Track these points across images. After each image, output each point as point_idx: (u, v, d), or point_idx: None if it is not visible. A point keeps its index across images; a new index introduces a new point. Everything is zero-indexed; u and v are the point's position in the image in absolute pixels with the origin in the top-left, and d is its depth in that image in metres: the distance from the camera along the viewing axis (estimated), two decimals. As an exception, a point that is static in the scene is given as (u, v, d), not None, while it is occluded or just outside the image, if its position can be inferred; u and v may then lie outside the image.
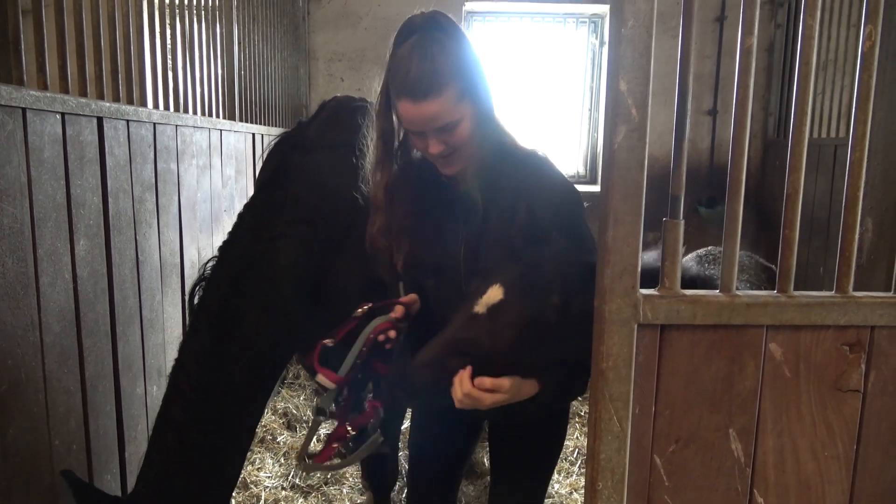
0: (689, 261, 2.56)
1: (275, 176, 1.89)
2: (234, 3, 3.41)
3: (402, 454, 3.02)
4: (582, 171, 5.45)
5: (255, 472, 3.12)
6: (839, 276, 1.22)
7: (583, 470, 3.21)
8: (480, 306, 1.34)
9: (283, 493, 2.99)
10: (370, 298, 1.61)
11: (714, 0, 4.96)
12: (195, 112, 2.89)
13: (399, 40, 1.46)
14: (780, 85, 4.93)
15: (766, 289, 2.07)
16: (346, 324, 1.56)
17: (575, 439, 3.55)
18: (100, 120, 1.95)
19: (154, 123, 2.32)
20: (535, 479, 1.81)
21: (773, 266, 2.53)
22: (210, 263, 1.84)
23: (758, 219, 4.98)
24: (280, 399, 3.90)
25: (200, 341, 1.73)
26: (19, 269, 1.60)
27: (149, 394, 2.35)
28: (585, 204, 1.60)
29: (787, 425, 1.22)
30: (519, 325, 1.31)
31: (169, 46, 2.69)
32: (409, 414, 2.03)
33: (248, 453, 3.17)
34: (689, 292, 1.18)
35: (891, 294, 1.22)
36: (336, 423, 1.57)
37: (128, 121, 2.12)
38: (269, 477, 3.11)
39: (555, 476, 3.03)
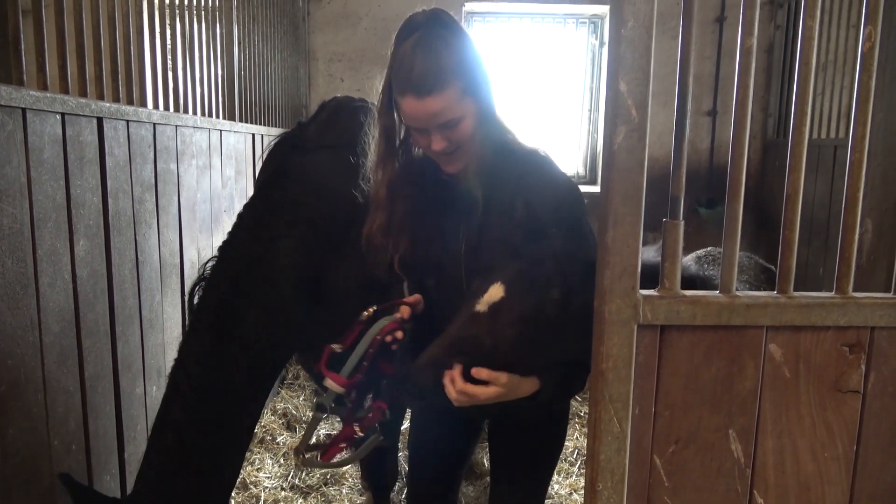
0: (687, 261, 2.56)
1: (274, 176, 1.89)
2: (234, 3, 3.41)
3: (402, 454, 3.02)
4: (582, 171, 5.45)
5: (255, 473, 3.12)
6: (839, 276, 1.22)
7: (582, 470, 3.21)
8: (482, 305, 1.34)
9: (283, 493, 2.99)
10: (373, 300, 1.61)
11: (714, 1, 4.96)
12: (195, 112, 2.89)
13: (401, 38, 1.46)
14: (779, 86, 4.93)
15: (765, 289, 2.07)
16: (352, 329, 1.55)
17: (575, 440, 3.55)
18: (100, 120, 1.95)
19: (154, 124, 2.32)
20: (535, 480, 1.81)
21: (773, 267, 2.53)
22: (210, 263, 1.84)
23: (757, 219, 4.98)
24: (279, 399, 3.90)
25: (200, 341, 1.73)
26: (19, 269, 1.60)
27: (148, 394, 2.35)
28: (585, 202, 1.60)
29: (786, 426, 1.22)
30: (520, 323, 1.31)
31: (169, 47, 2.69)
32: (408, 414, 2.02)
33: (248, 454, 3.18)
34: (689, 293, 1.18)
35: (890, 295, 1.22)
36: (343, 424, 1.57)
37: (128, 121, 2.12)
38: (268, 477, 3.11)
39: (554, 477, 3.03)
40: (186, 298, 1.89)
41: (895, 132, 3.08)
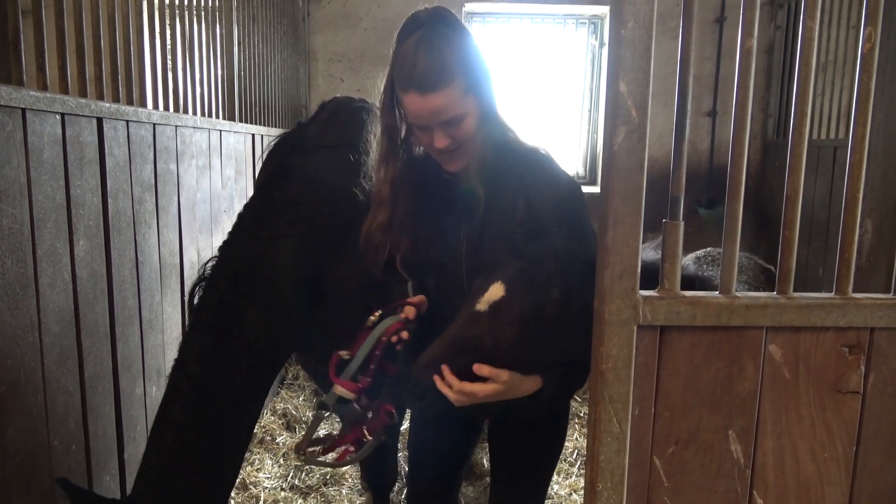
0: (687, 261, 2.56)
1: (274, 176, 1.89)
2: (234, 3, 3.41)
3: (402, 454, 3.02)
4: (581, 172, 5.45)
5: (255, 473, 3.12)
6: (839, 277, 1.22)
7: (582, 471, 3.21)
8: (482, 304, 1.34)
9: (283, 493, 2.99)
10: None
11: (714, 1, 4.96)
12: (195, 113, 2.89)
13: (403, 35, 1.46)
14: (779, 86, 4.93)
15: (765, 290, 2.07)
16: (360, 334, 1.55)
17: (574, 440, 3.55)
18: (99, 120, 1.95)
19: (154, 124, 2.32)
20: (534, 480, 1.81)
21: (773, 267, 2.53)
22: (210, 263, 1.84)
23: (757, 220, 4.98)
24: (279, 400, 3.90)
25: (200, 341, 1.73)
26: (19, 269, 1.60)
27: (148, 394, 2.35)
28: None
29: (786, 427, 1.22)
30: (520, 322, 1.31)
31: (169, 47, 2.69)
32: (408, 414, 2.03)
33: (247, 454, 3.18)
34: (688, 294, 1.18)
35: (890, 296, 1.22)
36: (350, 426, 1.57)
37: (127, 121, 2.12)
38: (268, 478, 3.11)
39: (554, 477, 3.03)
40: (187, 298, 1.89)
41: (895, 133, 3.08)
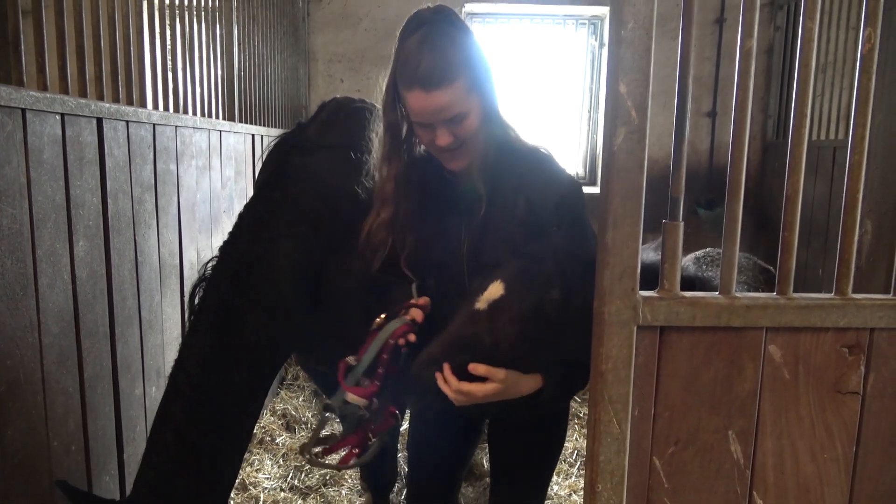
0: (687, 262, 2.56)
1: (274, 177, 1.89)
2: (234, 4, 3.41)
3: (402, 455, 3.02)
4: (581, 172, 5.45)
5: (254, 474, 3.12)
6: (838, 278, 1.22)
7: (582, 472, 3.21)
8: (481, 302, 1.34)
9: (282, 494, 2.99)
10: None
11: (714, 2, 4.96)
12: (195, 113, 2.89)
13: (406, 33, 1.46)
14: (779, 87, 4.93)
15: (764, 291, 2.07)
16: (367, 338, 1.54)
17: (574, 441, 3.55)
18: (99, 121, 1.95)
19: (153, 124, 2.32)
20: (534, 480, 1.81)
21: (772, 268, 2.53)
22: (210, 264, 1.84)
23: (757, 221, 4.98)
24: (279, 400, 3.90)
25: (200, 341, 1.73)
26: (18, 269, 1.60)
27: (148, 395, 2.35)
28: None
29: (786, 427, 1.22)
30: (519, 321, 1.31)
31: (169, 47, 2.70)
32: (408, 414, 2.02)
33: (247, 454, 3.18)
34: (688, 294, 1.18)
35: (890, 296, 1.22)
36: (354, 429, 1.56)
37: (127, 122, 2.12)
38: (267, 478, 3.10)
39: (554, 478, 3.03)
40: (187, 299, 1.89)
41: (895, 134, 3.08)
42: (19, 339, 1.62)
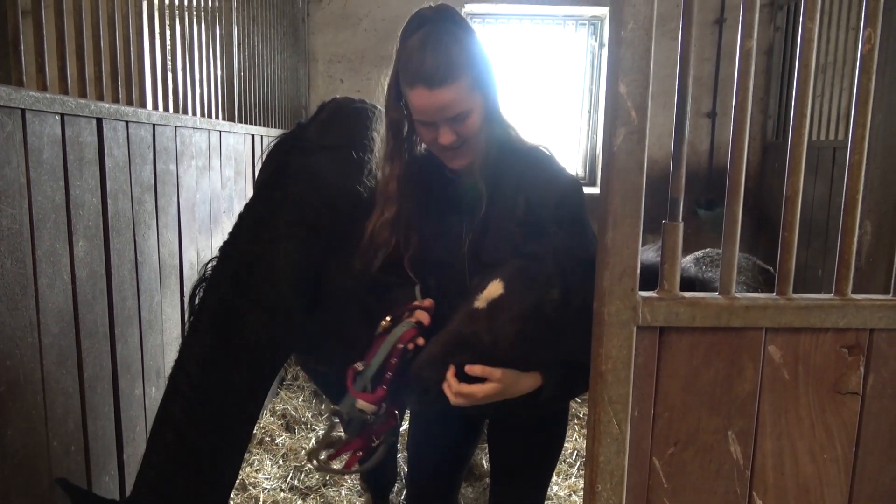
0: (686, 262, 2.56)
1: (274, 177, 1.89)
2: (234, 4, 3.41)
3: (402, 455, 3.01)
4: (581, 172, 5.45)
5: (254, 474, 3.11)
6: (838, 278, 1.22)
7: (582, 472, 3.21)
8: (481, 301, 1.34)
9: (282, 494, 2.99)
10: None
11: (713, 2, 4.96)
12: (194, 113, 2.89)
13: (408, 32, 1.46)
14: (779, 87, 4.93)
15: (764, 291, 2.07)
16: (373, 344, 1.54)
17: (574, 441, 3.55)
18: (99, 121, 1.95)
19: (153, 124, 2.32)
20: (534, 481, 1.81)
21: (772, 268, 2.53)
22: (210, 264, 1.84)
23: (757, 221, 4.98)
24: (279, 401, 3.90)
25: (200, 342, 1.73)
26: (18, 270, 1.60)
27: (147, 395, 2.34)
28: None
29: (785, 428, 1.22)
30: (519, 320, 1.31)
31: (168, 48, 2.70)
32: (408, 414, 2.02)
33: (247, 454, 3.17)
34: (688, 295, 1.18)
35: (890, 297, 1.22)
36: (357, 432, 1.56)
37: (127, 122, 2.12)
38: (267, 479, 3.10)
39: (554, 478, 3.03)
40: (187, 299, 1.89)
41: (894, 134, 3.08)
42: (19, 339, 1.62)
